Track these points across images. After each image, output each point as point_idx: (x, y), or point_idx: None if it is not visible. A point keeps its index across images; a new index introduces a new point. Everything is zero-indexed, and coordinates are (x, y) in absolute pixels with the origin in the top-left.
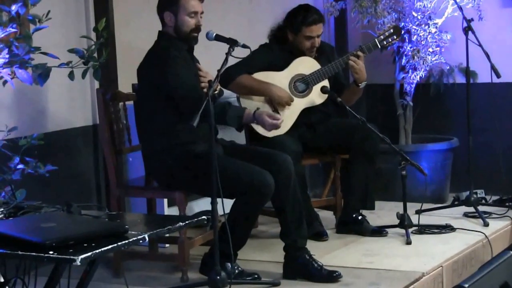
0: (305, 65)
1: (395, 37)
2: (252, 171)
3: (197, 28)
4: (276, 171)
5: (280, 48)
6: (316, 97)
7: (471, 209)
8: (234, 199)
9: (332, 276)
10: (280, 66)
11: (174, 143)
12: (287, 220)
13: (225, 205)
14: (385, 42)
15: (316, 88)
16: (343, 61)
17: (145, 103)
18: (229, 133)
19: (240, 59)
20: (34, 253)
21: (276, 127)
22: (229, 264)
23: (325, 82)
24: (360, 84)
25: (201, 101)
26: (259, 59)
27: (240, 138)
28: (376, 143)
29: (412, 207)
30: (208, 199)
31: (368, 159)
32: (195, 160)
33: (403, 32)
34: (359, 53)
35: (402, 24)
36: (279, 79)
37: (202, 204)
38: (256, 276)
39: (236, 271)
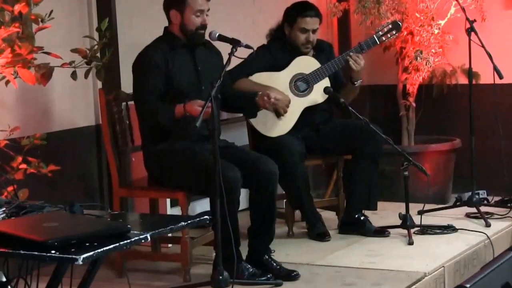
0: (305, 64)
1: (394, 32)
2: (222, 167)
3: (203, 27)
4: (257, 179)
5: (279, 47)
6: (317, 96)
7: (473, 209)
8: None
9: (291, 275)
10: (280, 66)
11: (172, 141)
12: (255, 225)
13: None
14: (384, 38)
15: (317, 87)
16: (343, 59)
17: None
18: (231, 134)
19: (241, 61)
20: (36, 253)
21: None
22: (242, 265)
23: (326, 81)
24: (356, 82)
25: (150, 112)
26: (258, 61)
27: (243, 137)
28: (379, 144)
29: (414, 207)
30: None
31: (371, 160)
32: (184, 156)
33: (401, 26)
34: (359, 56)
35: (406, 25)
36: (280, 79)
37: (205, 204)
38: (269, 276)
39: (251, 269)
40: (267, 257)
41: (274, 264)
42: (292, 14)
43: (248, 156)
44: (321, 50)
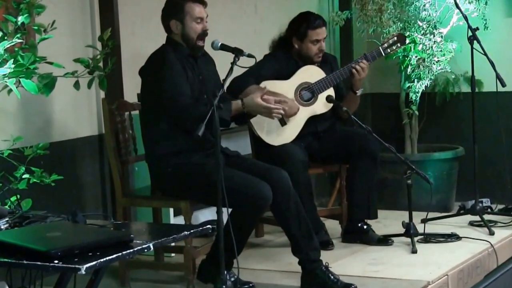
0: (311, 73)
1: (399, 44)
2: (250, 182)
3: (204, 33)
4: (273, 187)
5: (285, 56)
6: (321, 105)
7: (477, 218)
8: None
9: None
10: (286, 74)
11: (174, 150)
12: (295, 235)
13: None
14: (389, 50)
15: (322, 97)
16: (348, 69)
17: (147, 109)
18: (234, 143)
19: (247, 68)
20: (39, 262)
21: (280, 109)
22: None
23: (331, 91)
24: (357, 92)
25: (189, 108)
26: (266, 68)
27: (246, 146)
28: (376, 146)
29: (417, 216)
30: (214, 209)
31: (368, 168)
32: (194, 168)
33: (407, 40)
34: (364, 62)
35: (408, 33)
36: (285, 88)
37: (208, 214)
38: (251, 285)
39: (232, 278)
40: (323, 268)
41: (332, 277)
42: (302, 28)
43: (260, 166)
44: (325, 62)
